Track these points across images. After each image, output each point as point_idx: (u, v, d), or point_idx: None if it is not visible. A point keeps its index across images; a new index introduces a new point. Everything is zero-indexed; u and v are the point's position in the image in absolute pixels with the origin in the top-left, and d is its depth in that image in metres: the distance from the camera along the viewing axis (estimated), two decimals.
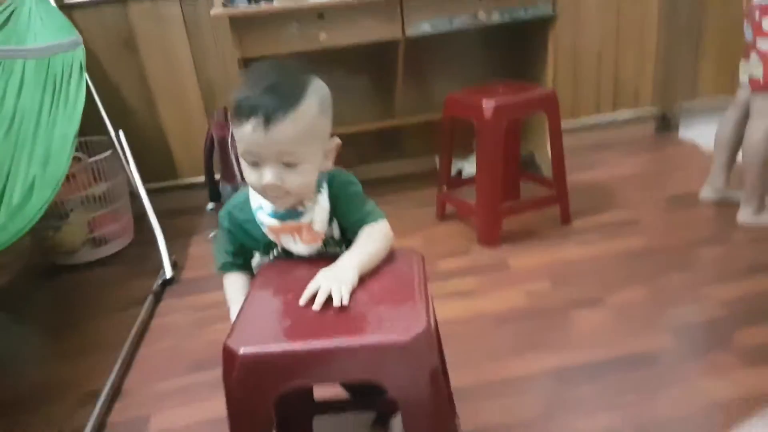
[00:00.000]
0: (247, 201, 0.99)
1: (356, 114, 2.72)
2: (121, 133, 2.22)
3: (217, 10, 2.18)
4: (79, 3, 2.39)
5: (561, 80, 2.71)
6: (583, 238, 2.13)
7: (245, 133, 0.86)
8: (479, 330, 1.68)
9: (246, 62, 2.22)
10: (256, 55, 2.20)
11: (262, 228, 0.98)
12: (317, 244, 0.98)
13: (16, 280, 2.32)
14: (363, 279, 0.90)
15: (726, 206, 2.19)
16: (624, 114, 3.10)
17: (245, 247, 1.03)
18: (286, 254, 1.01)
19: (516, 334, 1.64)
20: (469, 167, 2.66)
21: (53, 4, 2.18)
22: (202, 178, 2.64)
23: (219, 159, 2.37)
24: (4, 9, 2.11)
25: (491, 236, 2.10)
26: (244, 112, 0.85)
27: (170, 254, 2.17)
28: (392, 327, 0.80)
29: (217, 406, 1.45)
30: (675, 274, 1.84)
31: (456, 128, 2.22)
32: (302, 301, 0.86)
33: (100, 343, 1.80)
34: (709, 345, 1.52)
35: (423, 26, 2.31)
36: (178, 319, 1.89)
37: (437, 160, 2.83)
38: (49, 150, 1.85)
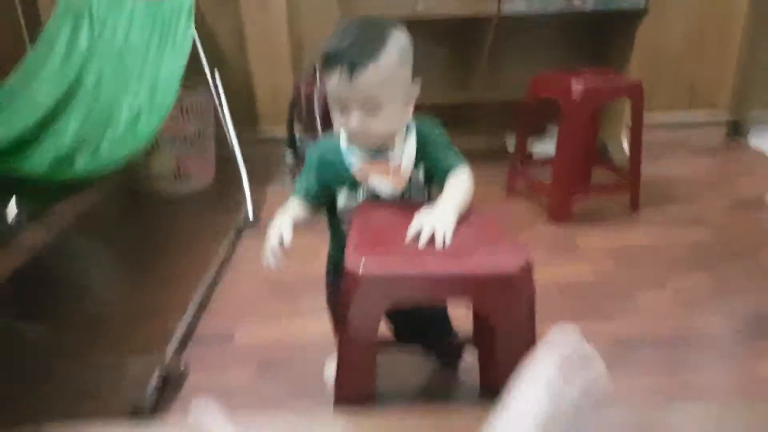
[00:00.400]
0: (337, 143, 1.06)
1: (436, 85, 2.81)
2: (216, 72, 2.34)
3: None
4: None
5: (640, 74, 2.73)
6: (650, 226, 2.18)
7: (333, 82, 0.96)
8: (543, 295, 1.70)
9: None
10: (353, 13, 2.30)
11: (351, 169, 1.04)
12: (402, 187, 1.05)
13: (103, 204, 2.46)
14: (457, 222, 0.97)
15: None
16: (696, 116, 3.11)
17: (328, 188, 1.09)
18: (372, 197, 1.08)
19: (578, 304, 1.72)
20: (539, 148, 2.72)
21: None
22: (281, 130, 2.76)
23: (304, 113, 2.48)
24: None
25: (562, 214, 2.17)
26: (331, 62, 0.95)
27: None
28: (497, 260, 0.89)
29: (297, 330, 1.60)
30: (737, 268, 1.88)
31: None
32: (408, 239, 0.92)
33: (186, 266, 1.93)
34: (765, 333, 1.58)
35: (518, 5, 2.37)
36: (258, 254, 2.00)
37: (507, 140, 2.91)
38: (156, 84, 1.98)
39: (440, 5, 2.34)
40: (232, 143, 2.34)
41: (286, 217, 1.05)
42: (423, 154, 1.05)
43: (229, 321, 1.65)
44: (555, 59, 2.80)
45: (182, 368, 1.44)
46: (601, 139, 2.74)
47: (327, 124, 2.47)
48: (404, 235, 0.93)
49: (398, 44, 0.97)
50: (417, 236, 0.92)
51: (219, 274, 1.87)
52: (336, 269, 1.20)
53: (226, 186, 2.53)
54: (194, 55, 2.28)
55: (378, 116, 0.97)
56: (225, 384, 1.42)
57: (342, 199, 1.09)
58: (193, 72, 2.33)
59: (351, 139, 1.02)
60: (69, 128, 1.76)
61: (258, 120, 2.87)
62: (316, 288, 1.31)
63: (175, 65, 1.98)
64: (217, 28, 2.71)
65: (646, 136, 2.65)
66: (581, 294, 1.76)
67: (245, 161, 2.40)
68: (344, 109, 0.97)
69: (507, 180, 2.43)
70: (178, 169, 2.44)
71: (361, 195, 1.07)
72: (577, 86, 1.99)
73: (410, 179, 1.06)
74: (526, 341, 0.92)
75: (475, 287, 0.88)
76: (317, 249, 1.25)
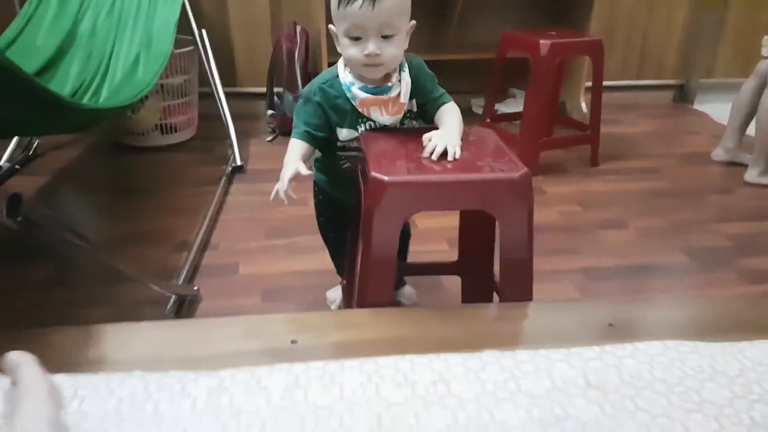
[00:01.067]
0: (336, 78, 1.14)
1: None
2: (204, 32, 2.41)
3: None
4: None
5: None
6: (610, 177, 2.39)
7: (353, 10, 1.03)
8: None
9: None
10: None
11: (353, 102, 1.12)
12: (400, 115, 1.17)
13: (89, 154, 2.52)
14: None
15: (735, 165, 2.47)
16: (646, 80, 3.35)
17: (329, 122, 1.16)
18: (372, 128, 1.17)
19: (550, 242, 1.90)
20: (503, 110, 2.89)
21: None
22: (258, 88, 2.85)
23: (285, 69, 2.57)
24: None
25: (530, 166, 2.30)
26: None
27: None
28: (502, 169, 1.04)
29: (295, 264, 1.73)
30: (689, 212, 2.11)
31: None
32: (425, 154, 1.05)
33: (182, 208, 2.03)
34: (716, 265, 1.79)
35: None
36: (250, 199, 2.11)
37: (472, 102, 3.07)
38: (151, 32, 2.05)
39: None
40: (219, 96, 2.43)
41: (294, 157, 1.12)
42: (416, 87, 1.17)
43: (232, 256, 1.76)
44: (521, 21, 2.97)
45: (195, 293, 1.55)
46: (561, 98, 2.94)
47: (307, 80, 2.58)
48: (414, 153, 1.06)
49: None
50: (430, 153, 1.05)
51: (215, 216, 1.97)
52: (327, 201, 1.33)
53: (208, 141, 2.62)
54: (182, 14, 2.35)
55: (392, 42, 1.07)
56: (234, 308, 1.54)
57: (343, 132, 1.16)
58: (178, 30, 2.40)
59: (359, 68, 1.10)
60: (70, 73, 1.82)
61: (236, 78, 2.94)
62: (310, 229, 1.44)
63: (168, 14, 2.06)
64: None
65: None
66: (551, 234, 1.95)
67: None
68: (360, 38, 1.06)
69: None
70: (163, 120, 2.50)
71: (362, 127, 1.18)
72: (544, 42, 2.16)
73: (406, 109, 1.18)
74: (527, 244, 1.08)
75: (485, 191, 1.03)
76: (305, 193, 1.37)
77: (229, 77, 2.89)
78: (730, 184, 2.35)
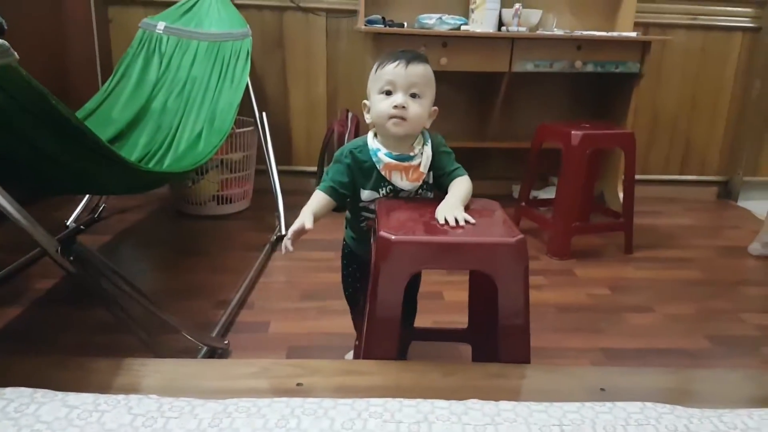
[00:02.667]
0: (365, 145, 1.28)
1: (453, 131, 3.12)
2: (264, 115, 2.67)
3: (362, 26, 2.64)
4: (246, 4, 2.87)
5: (636, 136, 3.04)
6: (642, 264, 2.42)
7: (389, 68, 1.22)
8: (543, 313, 1.99)
9: None
10: None
11: (378, 165, 1.26)
12: (418, 183, 1.30)
13: (150, 219, 2.74)
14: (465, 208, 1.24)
15: None
16: (689, 175, 3.40)
17: (354, 184, 1.29)
18: (391, 192, 1.30)
19: (575, 321, 1.94)
20: (543, 195, 3.00)
21: (230, 2, 2.68)
22: (311, 167, 3.08)
23: (336, 149, 2.77)
24: None
25: (562, 249, 2.41)
26: (392, 57, 1.23)
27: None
28: (500, 234, 1.16)
29: (323, 326, 1.84)
30: (719, 301, 2.11)
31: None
32: (439, 220, 1.17)
33: (226, 269, 2.18)
34: (739, 352, 1.79)
35: (527, 65, 2.70)
36: (289, 264, 2.26)
37: (513, 188, 3.19)
38: (215, 112, 2.30)
39: (461, 62, 2.67)
40: (272, 173, 2.64)
41: (308, 211, 1.23)
42: (435, 161, 1.31)
43: (265, 315, 1.89)
44: (560, 113, 3.14)
45: (225, 346, 1.67)
46: (600, 189, 3.02)
47: None
48: (422, 219, 1.18)
49: (431, 69, 1.29)
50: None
51: (256, 278, 2.12)
52: (351, 255, 1.46)
53: (259, 211, 2.83)
54: (247, 97, 2.60)
55: (417, 102, 1.23)
56: None
57: (366, 193, 1.30)
58: (243, 112, 2.66)
59: (385, 122, 1.23)
60: (139, 143, 2.06)
61: (292, 157, 3.18)
62: (341, 294, 1.55)
63: (232, 98, 2.30)
64: (265, 72, 3.07)
65: (642, 191, 2.93)
66: (578, 314, 1.99)
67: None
68: (391, 92, 1.23)
69: (513, 218, 2.68)
70: (221, 192, 2.72)
71: (383, 190, 1.29)
72: (576, 133, 2.28)
73: (424, 179, 1.31)
74: (523, 304, 1.16)
75: (484, 253, 1.13)
76: (338, 261, 1.50)
77: (285, 156, 3.13)
78: (763, 277, 2.34)
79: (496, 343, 1.41)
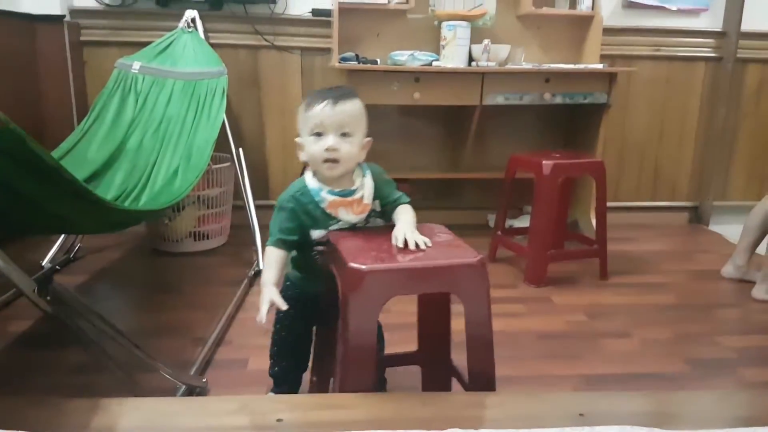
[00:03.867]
0: (306, 187, 1.28)
1: (427, 163, 3.18)
2: (240, 150, 2.68)
3: (335, 64, 2.69)
4: (221, 44, 2.91)
5: (606, 164, 3.12)
6: (618, 290, 2.45)
7: (317, 110, 1.22)
8: (523, 341, 2.00)
9: None
10: (365, 102, 2.68)
11: (322, 204, 1.26)
12: (365, 214, 1.31)
13: (126, 258, 2.72)
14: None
15: (743, 283, 2.51)
16: (661, 203, 3.47)
17: (302, 226, 1.28)
18: (339, 227, 1.30)
19: (554, 348, 1.96)
20: (518, 224, 3.04)
21: (205, 41, 2.71)
22: None
23: None
24: (167, 38, 2.66)
25: (538, 276, 2.44)
26: (318, 97, 1.23)
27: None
28: (462, 255, 1.18)
29: None
30: (695, 324, 2.15)
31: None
32: (399, 245, 1.19)
33: (204, 306, 2.17)
34: (718, 374, 1.82)
35: (498, 98, 2.77)
36: None
37: (488, 217, 3.23)
38: (192, 149, 2.31)
39: (433, 97, 2.74)
40: (249, 207, 2.64)
41: (270, 283, 1.25)
42: (378, 190, 1.33)
43: (243, 351, 1.87)
44: (531, 143, 3.21)
45: (203, 384, 1.65)
46: (573, 216, 3.08)
47: None
48: (381, 246, 1.20)
49: (360, 102, 1.29)
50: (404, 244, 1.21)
51: (234, 314, 2.10)
52: (297, 295, 1.40)
53: (237, 246, 2.82)
54: (223, 134, 2.62)
55: (348, 141, 1.24)
56: None
57: (316, 233, 1.30)
58: (219, 148, 2.67)
59: (319, 165, 1.25)
60: (115, 181, 2.06)
61: (268, 193, 3.19)
62: None
63: (209, 134, 2.32)
64: (241, 110, 3.10)
65: (615, 218, 2.98)
66: (556, 340, 2.01)
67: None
68: (321, 134, 1.23)
69: (489, 247, 2.72)
70: (198, 228, 2.71)
71: (332, 227, 1.29)
72: (547, 163, 2.33)
73: (370, 209, 1.32)
74: (487, 319, 1.20)
75: (450, 274, 1.16)
76: None
77: (262, 190, 3.14)
78: (737, 299, 2.39)
79: (448, 364, 1.43)
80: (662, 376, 1.79)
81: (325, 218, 1.29)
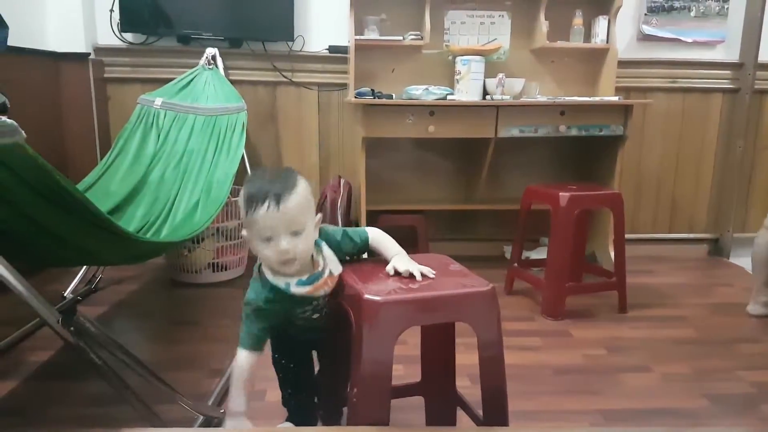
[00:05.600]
0: (267, 284, 1.22)
1: (442, 194, 3.21)
2: None
3: (351, 99, 2.75)
4: (241, 80, 3.00)
5: (623, 196, 3.12)
6: (637, 324, 2.43)
7: (261, 214, 1.12)
8: (540, 375, 1.98)
9: (368, 140, 2.76)
10: (376, 135, 2.74)
11: (289, 290, 1.20)
12: (336, 277, 1.26)
13: (145, 289, 2.76)
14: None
15: (766, 318, 2.47)
16: (679, 235, 3.45)
17: (272, 324, 1.27)
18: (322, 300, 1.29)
19: (571, 382, 1.94)
20: (535, 256, 3.03)
21: (225, 78, 2.78)
22: None
23: (328, 216, 2.82)
24: (188, 75, 2.73)
25: (556, 309, 2.43)
26: (259, 198, 1.12)
27: None
28: (473, 284, 1.20)
29: None
30: (715, 359, 2.12)
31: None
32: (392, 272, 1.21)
33: (221, 337, 2.18)
34: (738, 410, 1.78)
35: (513, 131, 2.80)
36: None
37: (504, 249, 3.23)
38: (212, 182, 2.35)
39: (447, 130, 2.77)
40: None
41: (242, 418, 1.26)
42: (339, 252, 1.29)
43: (261, 383, 1.86)
44: (547, 175, 3.22)
45: (221, 416, 1.65)
46: (591, 249, 3.06)
47: (347, 225, 2.82)
48: (390, 279, 1.22)
49: (304, 181, 1.20)
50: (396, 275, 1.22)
51: None
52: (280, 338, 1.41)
53: None
54: (241, 167, 2.66)
55: (301, 237, 1.16)
56: None
57: (300, 312, 1.29)
58: (238, 181, 2.70)
59: (275, 265, 1.18)
60: (136, 214, 2.10)
61: None
62: None
63: (229, 168, 2.36)
64: (259, 144, 3.16)
65: (633, 250, 2.97)
66: (574, 375, 1.99)
67: None
68: (271, 238, 1.15)
69: (506, 279, 2.71)
70: (216, 259, 2.74)
71: (315, 301, 1.27)
72: (563, 194, 2.34)
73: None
74: (498, 345, 1.21)
75: (463, 303, 1.17)
76: None
77: None
78: (759, 334, 2.35)
79: (453, 395, 1.43)
80: (682, 412, 1.76)
81: (305, 300, 1.27)
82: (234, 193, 2.66)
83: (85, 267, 2.53)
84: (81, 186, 2.19)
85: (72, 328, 1.19)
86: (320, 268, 1.24)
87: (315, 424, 1.52)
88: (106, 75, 3.01)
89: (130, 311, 2.53)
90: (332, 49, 3.07)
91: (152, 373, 1.49)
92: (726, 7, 3.23)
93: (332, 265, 1.26)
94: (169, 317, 2.46)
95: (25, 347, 2.07)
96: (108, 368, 1.39)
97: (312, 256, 1.24)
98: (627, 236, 2.55)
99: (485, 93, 2.92)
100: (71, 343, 1.23)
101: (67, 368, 1.93)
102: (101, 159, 2.43)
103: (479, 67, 2.84)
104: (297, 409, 1.54)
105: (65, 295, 2.44)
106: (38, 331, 2.13)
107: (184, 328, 2.30)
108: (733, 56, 3.29)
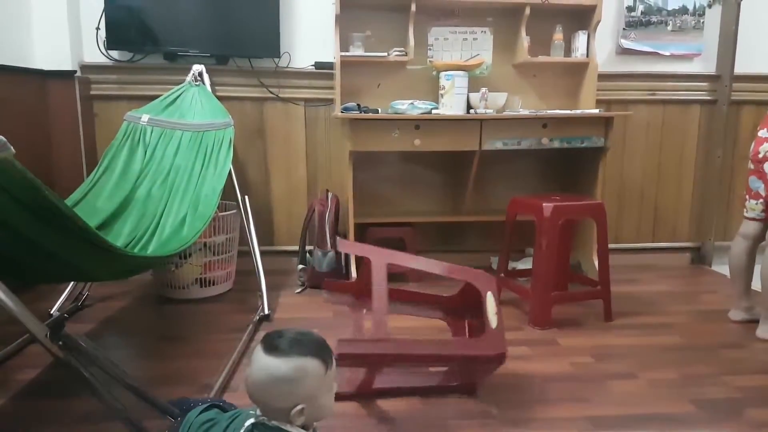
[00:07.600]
0: None
1: (429, 207, 3.24)
2: (246, 198, 2.74)
3: (338, 113, 2.78)
4: (228, 96, 3.01)
5: (606, 206, 3.16)
6: (623, 331, 2.46)
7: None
8: (529, 383, 2.00)
9: (355, 154, 2.80)
10: (363, 149, 2.78)
11: None
12: None
13: (133, 305, 2.75)
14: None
15: (750, 323, 2.51)
16: (662, 244, 3.50)
17: None
18: None
19: (561, 390, 1.95)
20: (521, 266, 3.06)
21: (212, 94, 2.80)
22: (294, 247, 3.14)
23: (317, 229, 2.84)
24: (175, 92, 2.75)
25: (543, 319, 2.45)
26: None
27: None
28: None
29: None
30: (701, 365, 2.15)
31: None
32: None
33: (209, 353, 2.18)
34: (725, 415, 1.81)
35: (496, 143, 2.84)
36: None
37: (491, 259, 3.26)
38: (199, 198, 2.36)
39: (433, 143, 2.81)
40: (255, 253, 2.68)
41: None
42: None
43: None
44: (531, 186, 3.27)
45: None
46: (576, 259, 3.10)
47: (335, 238, 2.84)
48: None
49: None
50: None
51: (239, 360, 2.11)
52: None
53: (242, 292, 2.85)
54: (230, 183, 2.68)
55: None
56: None
57: None
58: (225, 196, 2.72)
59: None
60: (123, 231, 2.10)
61: (274, 239, 3.24)
62: None
63: (216, 184, 2.37)
64: (247, 159, 3.18)
65: (617, 259, 3.01)
66: (562, 382, 2.01)
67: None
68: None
69: None
70: (204, 275, 2.74)
71: None
72: (547, 205, 2.37)
73: None
74: None
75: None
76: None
77: (267, 237, 3.19)
78: (743, 339, 2.39)
79: None
80: (669, 418, 1.78)
81: None
82: (221, 207, 2.68)
83: (71, 284, 2.52)
84: (68, 202, 2.18)
85: (60, 343, 1.19)
86: None
87: None
88: (92, 92, 3.01)
89: (118, 328, 2.51)
90: (318, 65, 3.10)
91: (141, 389, 1.49)
92: (702, 21, 3.32)
93: None
94: (157, 333, 2.45)
95: (12, 365, 2.05)
96: (96, 384, 1.38)
97: None
98: (611, 246, 2.59)
99: (469, 107, 2.96)
100: (60, 358, 1.23)
101: (56, 385, 1.92)
102: (88, 176, 2.43)
103: (463, 81, 2.88)
104: None
105: (51, 312, 2.42)
106: (26, 348, 2.12)
107: (172, 344, 2.29)
108: (710, 69, 3.37)
